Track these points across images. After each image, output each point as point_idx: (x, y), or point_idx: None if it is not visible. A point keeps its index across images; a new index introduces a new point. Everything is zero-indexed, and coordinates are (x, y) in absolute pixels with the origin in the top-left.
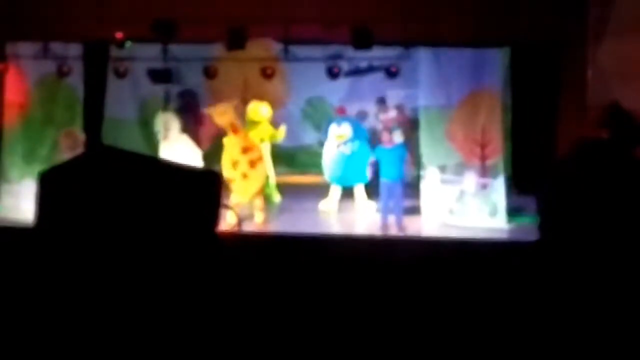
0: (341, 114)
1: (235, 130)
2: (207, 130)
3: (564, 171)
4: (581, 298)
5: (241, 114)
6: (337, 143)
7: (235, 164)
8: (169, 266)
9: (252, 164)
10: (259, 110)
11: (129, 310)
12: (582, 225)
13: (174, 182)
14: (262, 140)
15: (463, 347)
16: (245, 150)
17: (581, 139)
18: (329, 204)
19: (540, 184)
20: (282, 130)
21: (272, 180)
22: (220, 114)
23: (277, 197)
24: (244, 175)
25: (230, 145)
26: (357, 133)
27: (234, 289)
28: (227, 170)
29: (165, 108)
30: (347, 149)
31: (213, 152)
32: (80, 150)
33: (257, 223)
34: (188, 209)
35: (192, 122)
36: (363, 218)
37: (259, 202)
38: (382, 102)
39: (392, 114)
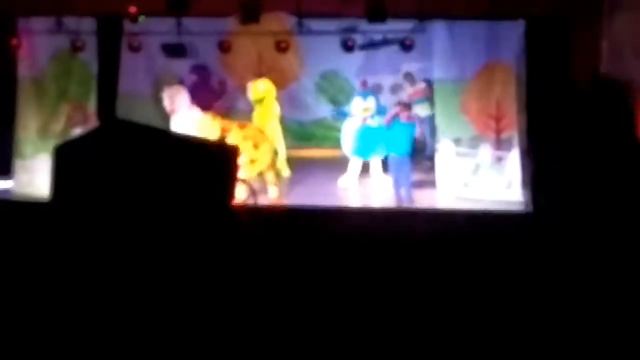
0: (364, 88)
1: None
2: (221, 104)
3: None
4: (587, 270)
5: None
6: (363, 116)
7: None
8: (184, 238)
9: (256, 146)
10: (257, 88)
11: (145, 281)
12: (573, 195)
13: (189, 155)
14: (267, 112)
15: (478, 316)
16: (246, 137)
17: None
18: (349, 179)
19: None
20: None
21: (282, 156)
22: (206, 128)
23: (286, 172)
24: (252, 161)
25: (233, 139)
26: (379, 107)
27: (249, 261)
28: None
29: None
30: (374, 122)
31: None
32: (90, 124)
33: (271, 197)
34: (204, 182)
35: (206, 96)
36: (379, 192)
37: (271, 177)
38: (409, 76)
39: (421, 86)
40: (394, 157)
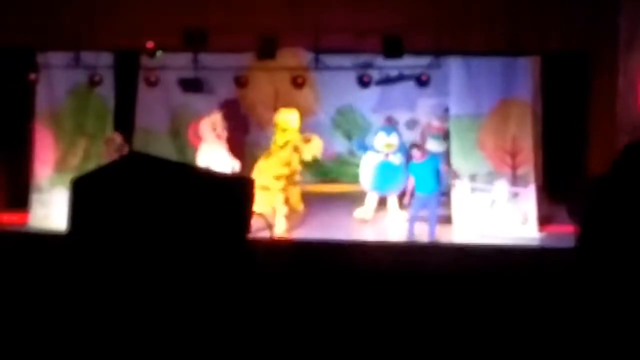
0: (389, 123)
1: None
2: (247, 139)
3: (606, 184)
4: (619, 306)
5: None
6: (385, 152)
7: (279, 177)
8: (200, 272)
9: (289, 178)
10: (289, 118)
11: (162, 312)
12: (623, 237)
13: (206, 188)
14: (296, 150)
15: (495, 353)
16: (288, 164)
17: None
18: (365, 213)
19: (580, 194)
20: (317, 144)
21: (299, 190)
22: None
23: (300, 206)
24: (284, 189)
25: (276, 157)
26: (401, 144)
27: (263, 294)
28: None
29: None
30: (395, 159)
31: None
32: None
33: (280, 230)
34: (221, 215)
35: (235, 131)
36: (395, 227)
37: (283, 209)
38: (446, 111)
39: (445, 124)
40: (420, 196)
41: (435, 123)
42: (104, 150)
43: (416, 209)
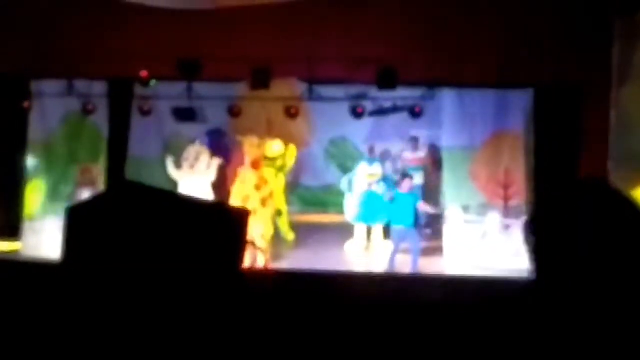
0: (372, 154)
1: (256, 166)
2: (233, 169)
3: (558, 211)
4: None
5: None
6: (368, 182)
7: (246, 199)
8: (195, 302)
9: (264, 201)
10: (272, 147)
11: (156, 341)
12: (577, 266)
13: (200, 218)
14: (276, 173)
15: None
16: (258, 187)
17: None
18: (357, 244)
19: (532, 223)
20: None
21: (286, 218)
22: (252, 146)
23: (290, 236)
24: (254, 212)
25: (246, 179)
26: (385, 174)
27: (259, 325)
28: (236, 204)
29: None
30: (378, 189)
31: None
32: (99, 186)
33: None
34: (214, 244)
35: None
36: (379, 258)
37: (263, 244)
38: (415, 140)
39: (422, 154)
40: (396, 229)
41: (408, 155)
42: (79, 177)
43: (396, 241)
